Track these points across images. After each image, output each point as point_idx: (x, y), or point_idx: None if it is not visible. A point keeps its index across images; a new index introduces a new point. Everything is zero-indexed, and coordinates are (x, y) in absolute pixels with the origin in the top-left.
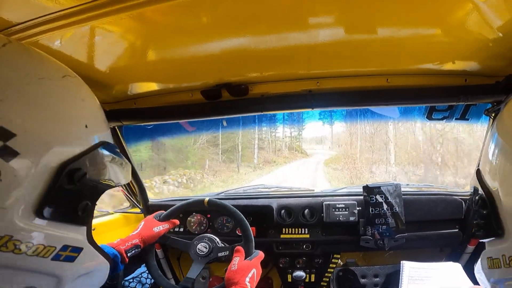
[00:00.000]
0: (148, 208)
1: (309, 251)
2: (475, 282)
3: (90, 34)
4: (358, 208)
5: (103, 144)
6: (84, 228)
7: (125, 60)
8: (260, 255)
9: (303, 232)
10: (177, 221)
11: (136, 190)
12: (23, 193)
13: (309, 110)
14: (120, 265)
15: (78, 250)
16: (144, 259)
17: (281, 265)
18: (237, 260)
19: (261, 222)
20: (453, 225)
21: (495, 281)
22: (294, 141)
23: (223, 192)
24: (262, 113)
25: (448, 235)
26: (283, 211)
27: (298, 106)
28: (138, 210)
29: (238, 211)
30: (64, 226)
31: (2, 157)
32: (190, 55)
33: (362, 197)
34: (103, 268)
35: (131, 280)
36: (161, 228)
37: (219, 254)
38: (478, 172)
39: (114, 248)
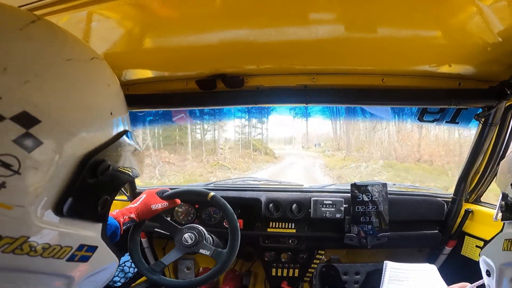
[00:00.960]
0: (135, 196)
1: (294, 246)
2: (449, 283)
3: (86, 19)
4: (344, 206)
5: (126, 132)
6: (100, 226)
7: (120, 46)
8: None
9: (290, 226)
10: (178, 201)
11: None
12: (43, 189)
13: (304, 105)
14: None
15: (93, 249)
16: (128, 247)
17: (266, 259)
18: None
19: (249, 215)
20: (434, 226)
21: (507, 264)
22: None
23: (212, 183)
24: (256, 106)
25: (428, 236)
26: (271, 205)
27: (292, 101)
28: (125, 198)
29: (235, 217)
30: (82, 223)
31: (22, 147)
32: (187, 44)
33: (349, 194)
34: (113, 265)
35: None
36: (159, 206)
37: (201, 251)
38: None
39: (114, 219)
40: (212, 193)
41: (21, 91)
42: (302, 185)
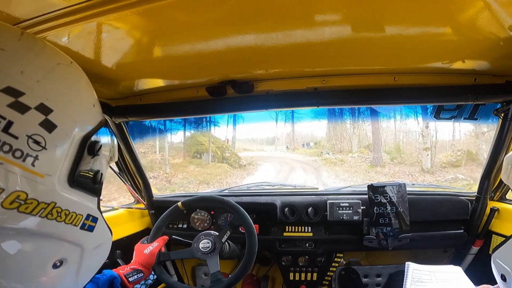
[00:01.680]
0: (153, 204)
1: (311, 249)
2: (478, 283)
3: (97, 30)
4: (362, 207)
5: (104, 122)
6: (96, 199)
7: (131, 56)
8: None
9: (306, 230)
10: (166, 237)
11: (141, 185)
12: (61, 162)
13: (315, 107)
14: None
15: (95, 220)
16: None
17: (283, 263)
18: None
19: (265, 220)
20: (458, 226)
21: None
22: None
23: (227, 189)
24: (267, 110)
25: (453, 236)
26: (286, 209)
27: (303, 104)
28: (143, 206)
29: (218, 197)
30: (86, 195)
31: (45, 129)
32: (196, 52)
33: (366, 196)
34: (109, 241)
35: (131, 275)
36: (151, 248)
37: (217, 258)
38: None
39: (113, 271)
40: (180, 202)
41: (37, 88)
42: (318, 188)
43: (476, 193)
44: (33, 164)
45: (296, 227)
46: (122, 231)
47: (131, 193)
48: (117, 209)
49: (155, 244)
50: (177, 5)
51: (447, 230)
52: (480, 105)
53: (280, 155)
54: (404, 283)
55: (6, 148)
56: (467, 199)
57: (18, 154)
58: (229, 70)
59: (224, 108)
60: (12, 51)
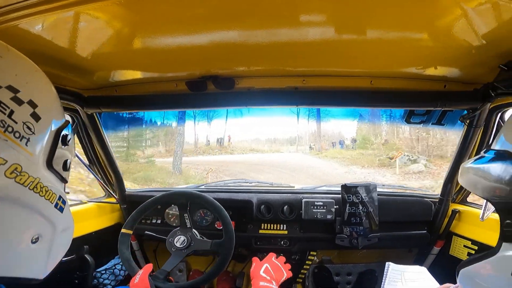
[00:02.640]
0: (125, 198)
1: (286, 247)
2: (439, 283)
3: (74, 19)
4: (335, 207)
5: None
6: (64, 185)
7: (109, 47)
8: (270, 254)
9: (281, 228)
10: (150, 265)
11: (112, 179)
12: (43, 146)
13: (294, 107)
14: None
15: (65, 202)
16: (118, 248)
17: None
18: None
19: (241, 217)
20: (422, 226)
21: None
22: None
23: (203, 185)
24: (247, 107)
25: (417, 236)
26: (262, 207)
27: (283, 102)
28: (114, 200)
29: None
30: (57, 180)
31: (34, 119)
32: (177, 45)
33: (339, 195)
34: (73, 227)
35: (104, 272)
36: (138, 276)
37: (199, 249)
38: None
39: None
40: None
41: (27, 88)
42: (294, 187)
43: (439, 196)
44: (26, 144)
45: (272, 225)
46: (90, 226)
47: (101, 186)
48: (85, 202)
49: (141, 272)
50: None
51: (412, 230)
52: (448, 111)
53: (294, 160)
54: (383, 283)
55: (10, 129)
56: (431, 201)
57: (17, 135)
58: (211, 65)
59: (204, 103)
60: (6, 59)
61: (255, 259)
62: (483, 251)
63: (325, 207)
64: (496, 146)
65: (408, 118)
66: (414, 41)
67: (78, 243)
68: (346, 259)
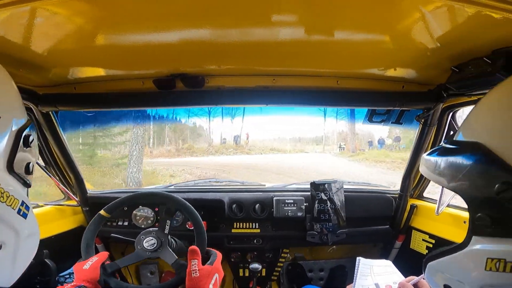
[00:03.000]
0: (87, 200)
1: (259, 245)
2: (404, 275)
3: (29, 15)
4: (305, 204)
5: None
6: (27, 190)
7: (68, 43)
8: (219, 256)
9: (254, 226)
10: (106, 253)
11: (72, 180)
12: (4, 148)
13: (264, 106)
14: None
15: (28, 208)
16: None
17: (232, 260)
18: (196, 265)
19: (212, 216)
20: (385, 221)
21: (489, 286)
22: None
23: (172, 185)
24: (217, 106)
25: (381, 231)
26: (234, 206)
27: (254, 102)
28: (75, 203)
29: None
30: (19, 184)
31: None
32: (145, 43)
33: (309, 193)
34: (38, 233)
35: (68, 276)
36: (90, 262)
37: (162, 257)
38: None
39: None
40: (102, 210)
41: None
42: (264, 185)
43: (399, 191)
44: None
45: (244, 224)
46: (50, 229)
47: (60, 188)
48: (42, 205)
49: (95, 258)
50: None
51: (376, 226)
52: (405, 111)
53: (324, 165)
54: (355, 277)
55: None
56: (392, 196)
57: None
58: (180, 63)
59: (172, 101)
60: None
61: (196, 254)
62: (440, 245)
63: (295, 205)
64: (460, 137)
65: (371, 117)
66: (376, 43)
67: (38, 247)
68: (317, 255)
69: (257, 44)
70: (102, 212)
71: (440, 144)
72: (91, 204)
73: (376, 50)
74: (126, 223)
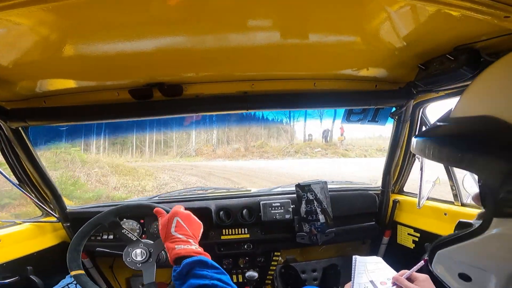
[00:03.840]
0: (67, 216)
1: (250, 250)
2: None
3: None
4: (292, 206)
5: None
6: None
7: (35, 55)
8: (177, 206)
9: (243, 232)
10: None
11: (49, 197)
12: None
13: (244, 111)
14: None
15: None
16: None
17: (224, 266)
18: (159, 220)
19: None
20: (371, 218)
21: None
22: None
23: (156, 196)
24: (196, 114)
25: (368, 228)
26: (221, 212)
27: (233, 107)
28: (54, 219)
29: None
30: None
31: None
32: (118, 52)
33: (294, 195)
34: None
35: None
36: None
37: (160, 257)
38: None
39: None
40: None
41: None
42: (250, 190)
43: (381, 187)
44: None
45: (233, 230)
46: (31, 246)
47: (36, 206)
48: (20, 223)
49: None
50: (97, 3)
51: (363, 223)
52: (380, 109)
53: None
54: (352, 276)
55: None
56: (374, 193)
57: None
58: (156, 72)
59: (150, 112)
60: None
61: (158, 211)
62: (425, 238)
63: (282, 207)
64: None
65: (348, 116)
66: (348, 44)
67: (19, 264)
68: (309, 256)
69: (234, 50)
70: (73, 273)
71: (434, 124)
72: (72, 220)
73: (349, 51)
74: (111, 237)
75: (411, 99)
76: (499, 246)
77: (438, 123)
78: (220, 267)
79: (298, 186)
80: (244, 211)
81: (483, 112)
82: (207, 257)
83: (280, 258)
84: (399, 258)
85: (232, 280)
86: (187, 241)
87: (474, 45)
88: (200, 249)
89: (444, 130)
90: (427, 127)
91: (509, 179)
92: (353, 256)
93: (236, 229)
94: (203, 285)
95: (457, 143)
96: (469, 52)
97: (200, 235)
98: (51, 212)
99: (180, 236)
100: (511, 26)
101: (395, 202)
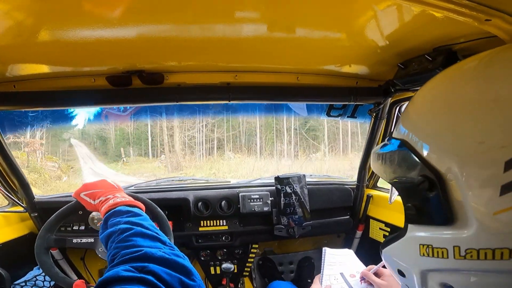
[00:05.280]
0: (34, 206)
1: (228, 242)
2: (364, 264)
3: None
4: (271, 199)
5: None
6: None
7: (7, 39)
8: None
9: (221, 224)
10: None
11: (16, 186)
12: None
13: (227, 102)
14: None
15: None
16: (37, 260)
17: (202, 258)
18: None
19: (178, 216)
20: (346, 212)
21: (427, 270)
22: None
23: (132, 186)
24: (177, 103)
25: (342, 221)
26: (200, 203)
27: (216, 98)
28: (21, 209)
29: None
30: None
31: None
32: (97, 38)
33: (273, 187)
34: None
35: (24, 284)
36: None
37: None
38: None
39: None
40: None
41: None
42: (230, 181)
43: (356, 182)
44: None
45: (211, 221)
46: None
47: (2, 195)
48: None
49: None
50: None
51: (338, 216)
52: (359, 105)
53: None
54: (322, 267)
55: None
56: (350, 187)
57: None
58: (137, 60)
59: (127, 99)
60: None
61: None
62: (395, 233)
63: (261, 200)
64: (394, 134)
65: (329, 111)
66: (334, 40)
67: None
68: (286, 248)
69: (218, 40)
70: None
71: (385, 140)
72: (40, 210)
73: (334, 47)
74: (82, 227)
75: (389, 97)
76: (411, 247)
77: (386, 141)
78: (139, 213)
79: (277, 178)
80: (223, 202)
81: (402, 137)
82: (126, 204)
83: (258, 250)
84: (371, 252)
85: (210, 272)
86: (106, 199)
87: (452, 46)
88: (121, 199)
89: (381, 147)
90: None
91: (408, 196)
92: (323, 248)
93: (215, 221)
94: (110, 233)
95: (385, 165)
96: (447, 54)
97: (113, 182)
98: (18, 201)
99: (98, 199)
100: (490, 29)
101: (369, 197)
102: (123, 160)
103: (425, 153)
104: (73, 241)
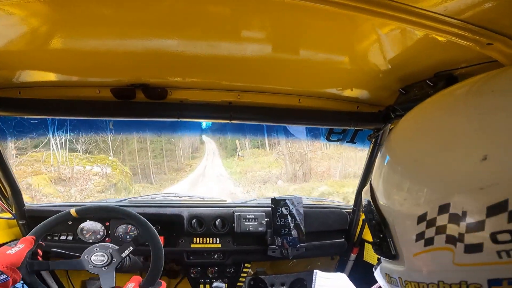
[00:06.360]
0: (24, 214)
1: (220, 260)
2: (358, 286)
3: None
4: (266, 219)
5: None
6: None
7: (19, 45)
8: (163, 286)
9: (214, 241)
10: (30, 238)
11: (7, 193)
12: None
13: (228, 121)
14: None
15: None
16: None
17: (192, 275)
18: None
19: (170, 231)
20: (341, 235)
21: None
22: None
23: (127, 199)
24: (178, 119)
25: (337, 244)
26: (194, 221)
27: (217, 117)
28: (10, 215)
29: (119, 208)
30: None
31: None
32: (105, 49)
33: (269, 208)
34: None
35: None
36: (17, 249)
37: (123, 255)
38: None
39: None
40: (73, 209)
41: None
42: (225, 201)
43: (353, 206)
44: None
45: (204, 239)
46: None
47: None
48: None
49: (20, 245)
50: None
51: (333, 239)
52: (359, 131)
53: None
54: None
55: None
56: (346, 211)
57: None
58: (142, 73)
59: (131, 113)
60: None
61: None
62: None
63: (256, 220)
64: None
65: (329, 135)
66: (337, 63)
67: None
68: (278, 269)
69: (224, 58)
70: (72, 211)
71: None
72: (28, 218)
73: (336, 70)
74: (70, 238)
75: (388, 123)
76: (382, 275)
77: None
78: None
79: (273, 200)
80: (218, 220)
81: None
82: None
83: (250, 270)
84: (364, 275)
85: None
86: None
87: (454, 71)
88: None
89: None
90: None
91: (373, 233)
92: (314, 271)
93: (208, 238)
94: None
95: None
96: (448, 79)
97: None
98: (7, 208)
99: None
100: (491, 54)
101: (365, 221)
102: (238, 155)
103: (378, 201)
104: (57, 250)
